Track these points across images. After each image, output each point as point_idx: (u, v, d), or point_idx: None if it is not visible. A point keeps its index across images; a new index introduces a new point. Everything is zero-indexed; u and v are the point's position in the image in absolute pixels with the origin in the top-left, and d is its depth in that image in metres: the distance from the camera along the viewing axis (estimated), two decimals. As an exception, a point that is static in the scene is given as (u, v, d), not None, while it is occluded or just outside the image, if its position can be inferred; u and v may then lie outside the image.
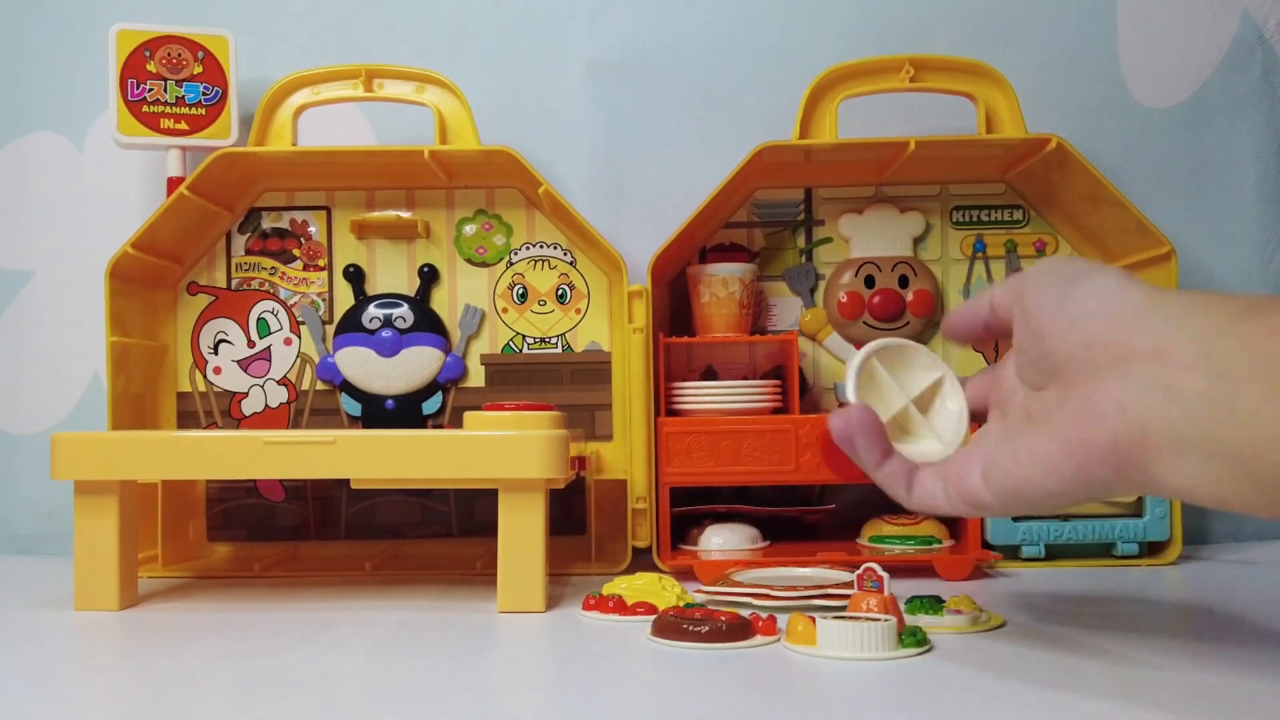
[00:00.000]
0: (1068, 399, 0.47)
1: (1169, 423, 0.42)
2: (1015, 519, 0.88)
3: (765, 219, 1.00)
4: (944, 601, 0.66)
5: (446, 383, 0.98)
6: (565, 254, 0.98)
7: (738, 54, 1.02)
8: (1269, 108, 1.02)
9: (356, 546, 0.97)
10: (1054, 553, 0.89)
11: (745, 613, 0.64)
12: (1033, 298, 0.50)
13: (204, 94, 0.96)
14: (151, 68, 0.95)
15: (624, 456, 0.93)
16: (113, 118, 0.95)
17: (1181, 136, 1.02)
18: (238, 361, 0.98)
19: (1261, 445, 0.40)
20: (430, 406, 0.98)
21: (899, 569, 0.76)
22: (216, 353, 0.98)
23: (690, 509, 0.93)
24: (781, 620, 0.63)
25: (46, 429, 1.03)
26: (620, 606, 0.69)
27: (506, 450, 0.72)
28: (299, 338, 0.99)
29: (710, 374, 0.98)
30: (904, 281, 0.97)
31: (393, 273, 0.99)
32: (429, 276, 0.98)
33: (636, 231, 1.00)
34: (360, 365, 0.97)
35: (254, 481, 0.97)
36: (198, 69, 0.96)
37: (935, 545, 0.87)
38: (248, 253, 0.99)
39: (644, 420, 0.88)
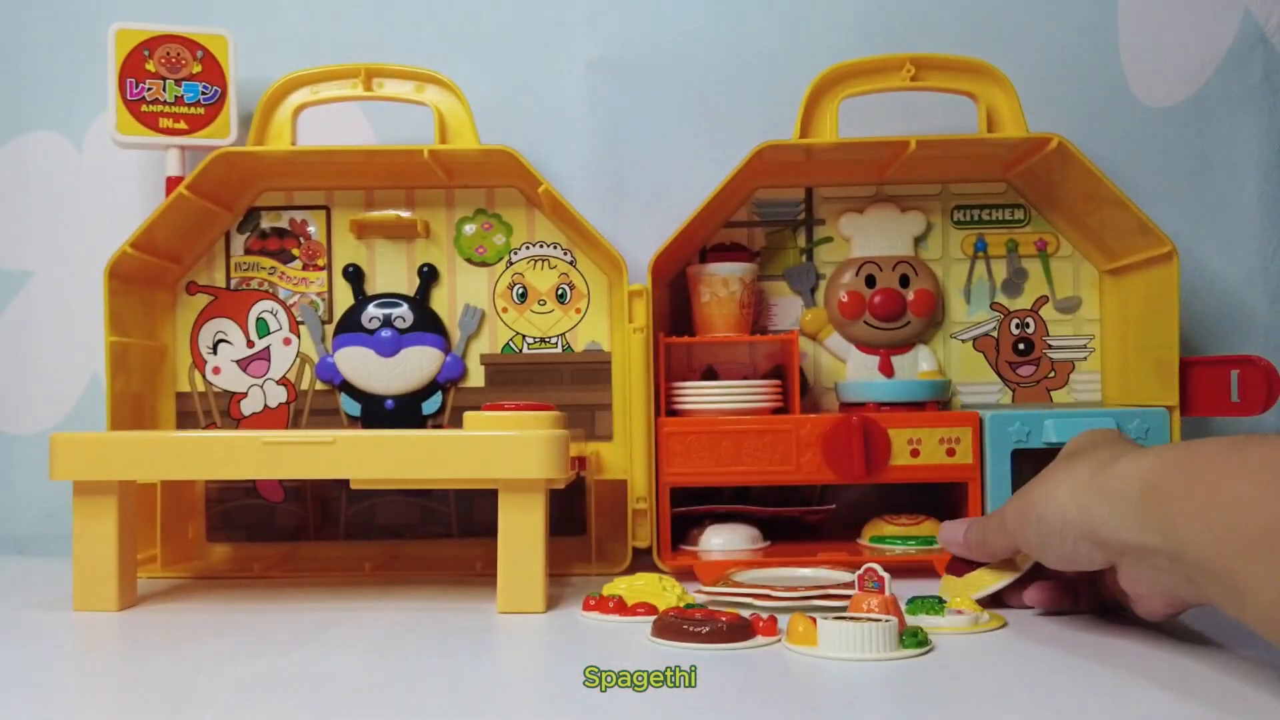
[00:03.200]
0: (1122, 582, 0.60)
1: (1172, 583, 0.55)
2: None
3: (766, 218, 1.00)
4: (945, 602, 0.66)
5: (446, 383, 0.98)
6: (565, 254, 0.98)
7: (738, 53, 1.02)
8: (1271, 107, 1.02)
9: (356, 547, 0.97)
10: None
11: (746, 613, 0.63)
12: (1041, 558, 0.64)
13: (203, 93, 0.96)
14: (150, 67, 0.95)
15: (624, 457, 0.93)
16: (112, 117, 0.94)
17: (1183, 136, 1.01)
18: (237, 361, 0.98)
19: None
20: (430, 406, 0.97)
21: (900, 569, 0.76)
22: (216, 353, 0.98)
23: (690, 509, 0.93)
24: (782, 621, 0.63)
25: (45, 429, 1.03)
26: (620, 607, 0.69)
27: (506, 450, 0.72)
28: (298, 338, 0.98)
29: (710, 374, 0.98)
30: (905, 281, 0.96)
31: (392, 272, 0.99)
32: (429, 276, 0.98)
33: (636, 231, 1.00)
34: (360, 365, 0.97)
35: (253, 482, 0.97)
36: (197, 68, 0.95)
37: (936, 545, 0.87)
38: (247, 252, 0.99)
39: (644, 420, 0.88)
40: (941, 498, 0.96)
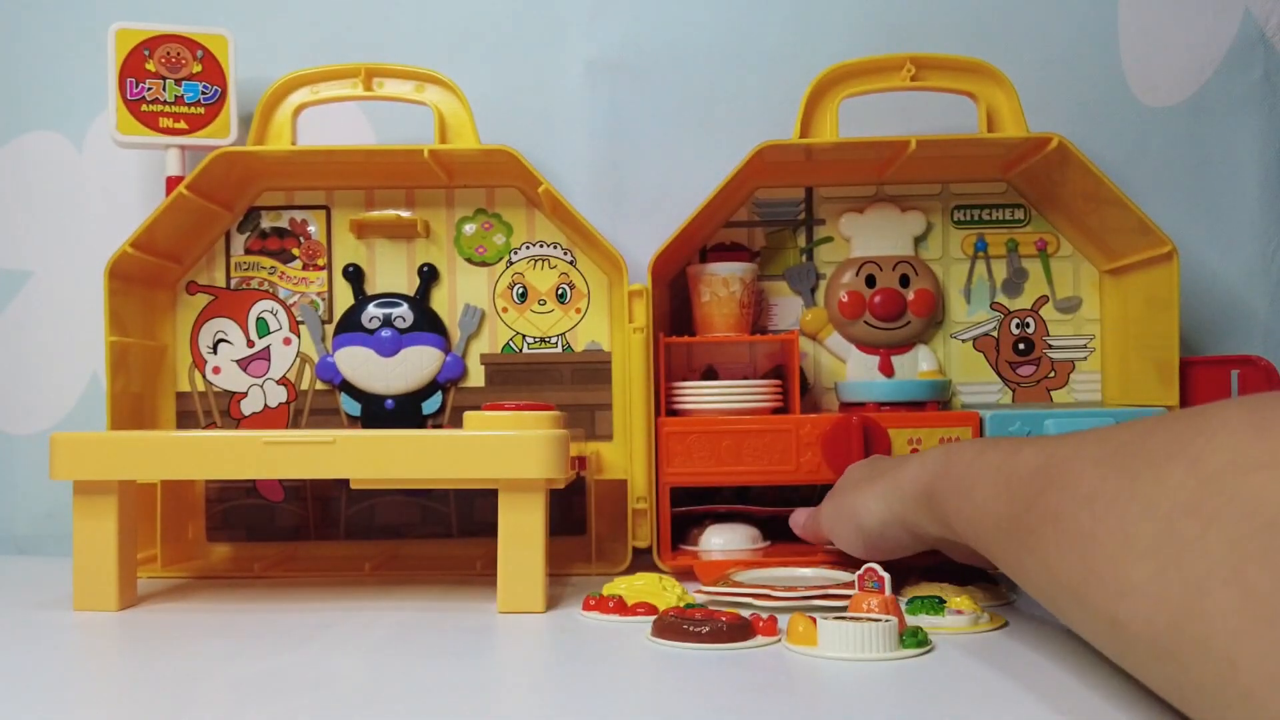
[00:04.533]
0: None
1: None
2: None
3: (766, 218, 1.00)
4: (945, 602, 0.66)
5: (446, 382, 0.98)
6: (565, 253, 0.98)
7: (738, 53, 1.02)
8: (1271, 107, 1.02)
9: (356, 547, 0.97)
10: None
11: (746, 613, 0.63)
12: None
13: (203, 93, 0.96)
14: (150, 67, 0.95)
15: (624, 456, 0.93)
16: (111, 117, 0.94)
17: (1183, 136, 1.01)
18: (237, 361, 0.98)
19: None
20: (430, 406, 0.97)
21: (899, 570, 0.76)
22: (216, 352, 0.98)
23: (690, 509, 0.93)
24: (782, 621, 0.63)
25: (45, 429, 1.03)
26: (620, 607, 0.69)
27: (506, 450, 0.72)
28: (298, 337, 0.98)
29: (710, 374, 0.98)
30: (905, 281, 0.96)
31: (392, 272, 0.99)
32: (429, 276, 0.98)
33: (636, 231, 1.00)
34: (360, 365, 0.97)
35: (253, 482, 0.97)
36: (197, 68, 0.95)
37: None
38: (247, 252, 0.99)
39: (644, 420, 0.88)
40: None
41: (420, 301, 0.98)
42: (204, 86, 0.96)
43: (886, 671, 0.55)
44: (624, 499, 0.90)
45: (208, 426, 0.98)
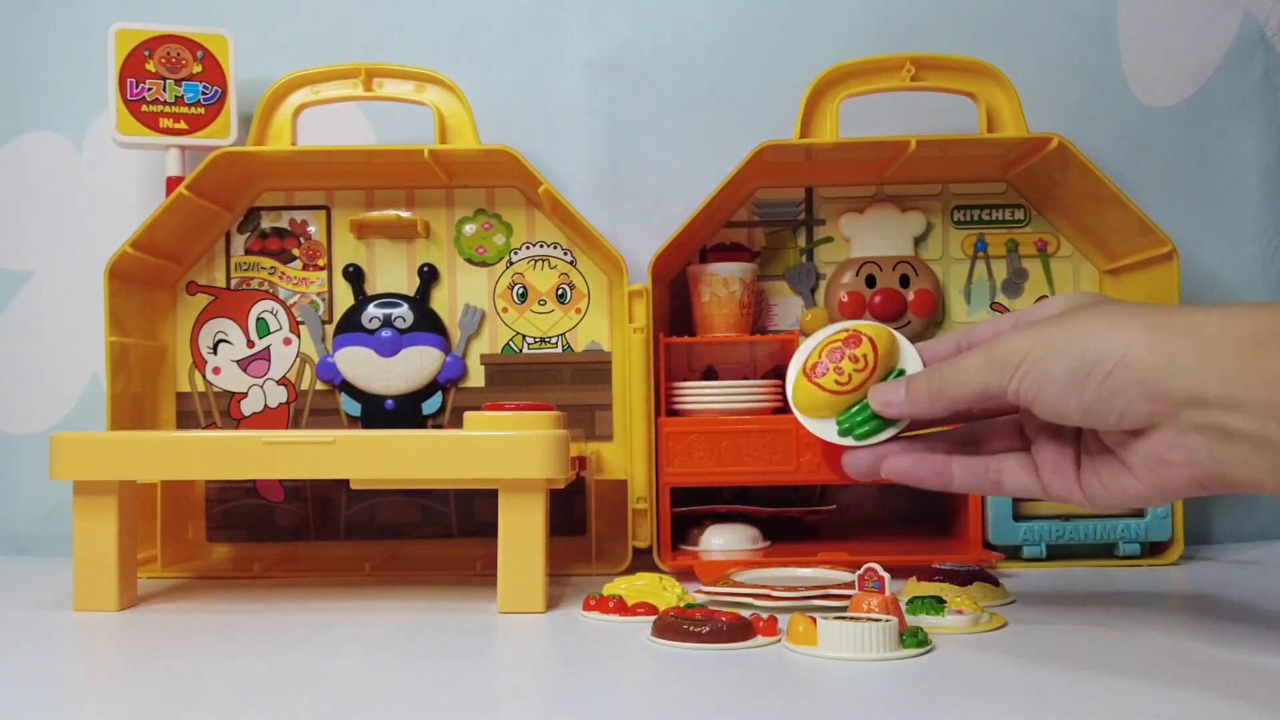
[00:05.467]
0: (1137, 448, 0.53)
1: (1234, 456, 0.50)
2: (1015, 520, 0.88)
3: (766, 218, 1.00)
4: (945, 602, 0.66)
5: (446, 383, 0.98)
6: (565, 253, 0.98)
7: (738, 53, 1.02)
8: (1271, 107, 1.02)
9: (356, 547, 0.97)
10: (1056, 553, 0.89)
11: (746, 613, 0.63)
12: (1050, 405, 0.55)
13: (203, 93, 0.96)
14: (151, 67, 0.95)
15: (624, 456, 0.93)
16: (112, 117, 0.94)
17: (1183, 136, 1.01)
18: (237, 361, 0.98)
19: None
20: (430, 406, 0.97)
21: (901, 570, 0.76)
22: (216, 353, 0.98)
23: (691, 509, 0.93)
24: (782, 621, 0.63)
25: (45, 429, 1.03)
26: (620, 607, 0.69)
27: (506, 450, 0.72)
28: (298, 337, 0.98)
29: (711, 374, 0.98)
30: (905, 281, 0.96)
31: (392, 272, 0.99)
32: (429, 276, 0.98)
33: (637, 231, 1.00)
34: (360, 365, 0.97)
35: (253, 482, 0.97)
36: (197, 68, 0.95)
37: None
38: (247, 252, 0.99)
39: (644, 420, 0.88)
40: (942, 497, 0.96)
41: (420, 302, 0.98)
42: (204, 87, 0.96)
43: (886, 671, 0.55)
44: (624, 499, 0.90)
45: (208, 427, 0.98)
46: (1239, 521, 1.01)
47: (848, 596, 0.65)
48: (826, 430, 0.64)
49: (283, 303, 0.98)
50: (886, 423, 0.62)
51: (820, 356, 0.64)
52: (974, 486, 0.62)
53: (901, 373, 0.63)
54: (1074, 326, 0.53)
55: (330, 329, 0.98)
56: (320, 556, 0.96)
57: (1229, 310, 0.50)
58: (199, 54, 0.96)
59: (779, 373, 0.96)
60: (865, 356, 0.63)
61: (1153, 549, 0.89)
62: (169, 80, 0.95)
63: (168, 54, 0.95)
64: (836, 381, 0.63)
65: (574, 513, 0.95)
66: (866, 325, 0.64)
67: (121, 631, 0.68)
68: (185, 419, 0.98)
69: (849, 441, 0.63)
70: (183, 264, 0.98)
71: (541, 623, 0.69)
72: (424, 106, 0.93)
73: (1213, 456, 0.50)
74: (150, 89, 0.95)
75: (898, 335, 0.64)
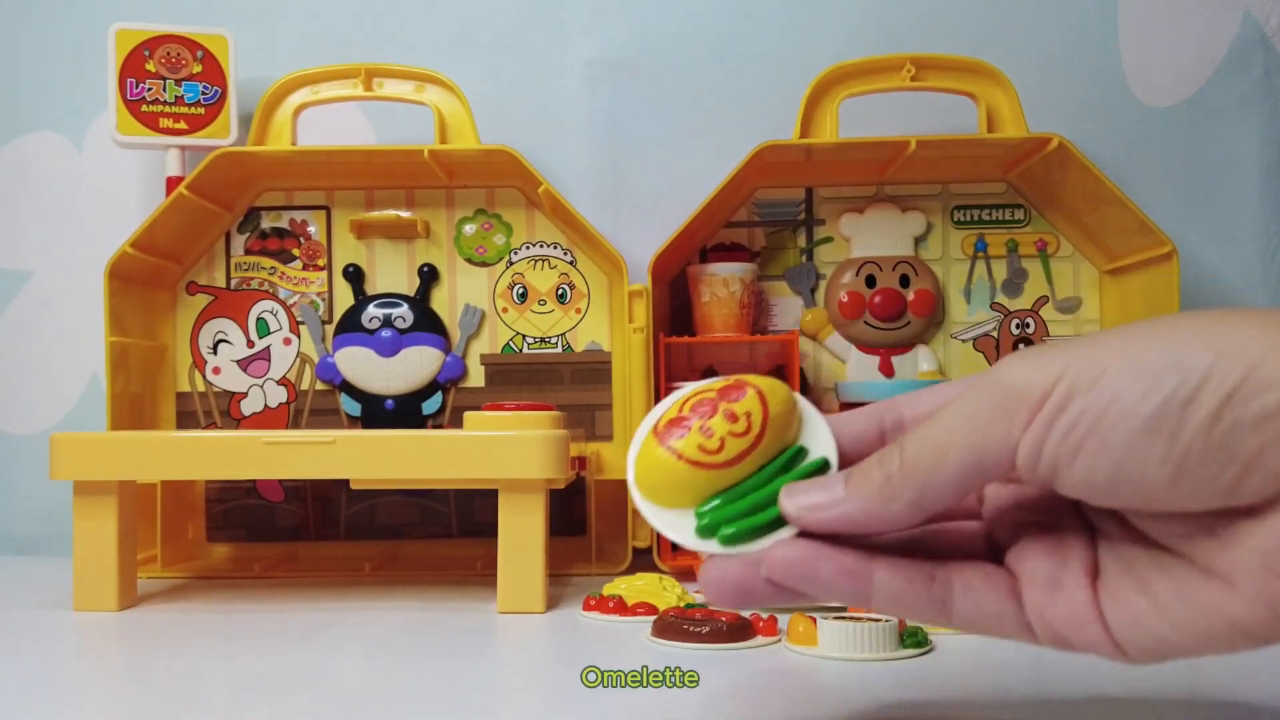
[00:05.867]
0: (1243, 537, 0.30)
1: None
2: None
3: (766, 218, 0.99)
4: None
5: (446, 383, 0.98)
6: (565, 253, 0.98)
7: (738, 53, 1.02)
8: (1271, 107, 1.02)
9: (356, 547, 0.97)
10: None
11: (746, 613, 0.63)
12: (1109, 467, 0.31)
13: (203, 93, 0.96)
14: (151, 67, 0.95)
15: (624, 457, 0.93)
16: (112, 117, 0.94)
17: (1183, 136, 1.01)
18: (237, 361, 0.98)
19: None
20: (430, 406, 0.97)
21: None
22: (216, 353, 0.98)
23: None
24: (782, 621, 0.63)
25: (45, 429, 1.03)
26: (620, 607, 0.69)
27: (506, 450, 0.72)
28: (298, 338, 0.98)
29: (710, 374, 0.98)
30: (905, 281, 0.96)
31: (392, 272, 0.99)
32: (429, 276, 0.98)
33: (637, 231, 1.00)
34: (360, 365, 0.97)
35: (253, 482, 0.97)
36: (197, 68, 0.95)
37: None
38: (247, 252, 0.99)
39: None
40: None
41: (420, 302, 0.98)
42: (204, 87, 0.96)
43: (886, 672, 0.55)
44: (624, 499, 0.90)
45: (208, 427, 0.98)
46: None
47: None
48: (678, 525, 0.39)
49: (283, 303, 0.98)
50: (777, 521, 0.38)
51: (682, 411, 0.40)
52: (904, 605, 0.36)
53: (802, 452, 0.39)
54: (1145, 333, 0.32)
55: (330, 329, 0.98)
56: (320, 556, 0.96)
57: None
58: (199, 54, 0.96)
59: (779, 373, 0.96)
60: (749, 415, 0.39)
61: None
62: (169, 80, 0.95)
63: (168, 54, 0.95)
64: (701, 448, 0.39)
65: (574, 513, 0.95)
66: (756, 377, 0.41)
67: (121, 632, 0.68)
68: (185, 419, 0.98)
69: (712, 546, 0.38)
70: (183, 264, 0.98)
71: (541, 623, 0.69)
72: (424, 106, 0.93)
73: None
74: (150, 89, 0.95)
75: (800, 398, 0.41)
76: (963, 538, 0.39)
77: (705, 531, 0.38)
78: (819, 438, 0.40)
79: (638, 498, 0.41)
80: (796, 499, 0.36)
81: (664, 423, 0.41)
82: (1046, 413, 0.31)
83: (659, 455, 0.40)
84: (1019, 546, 0.37)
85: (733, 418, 0.39)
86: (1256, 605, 0.30)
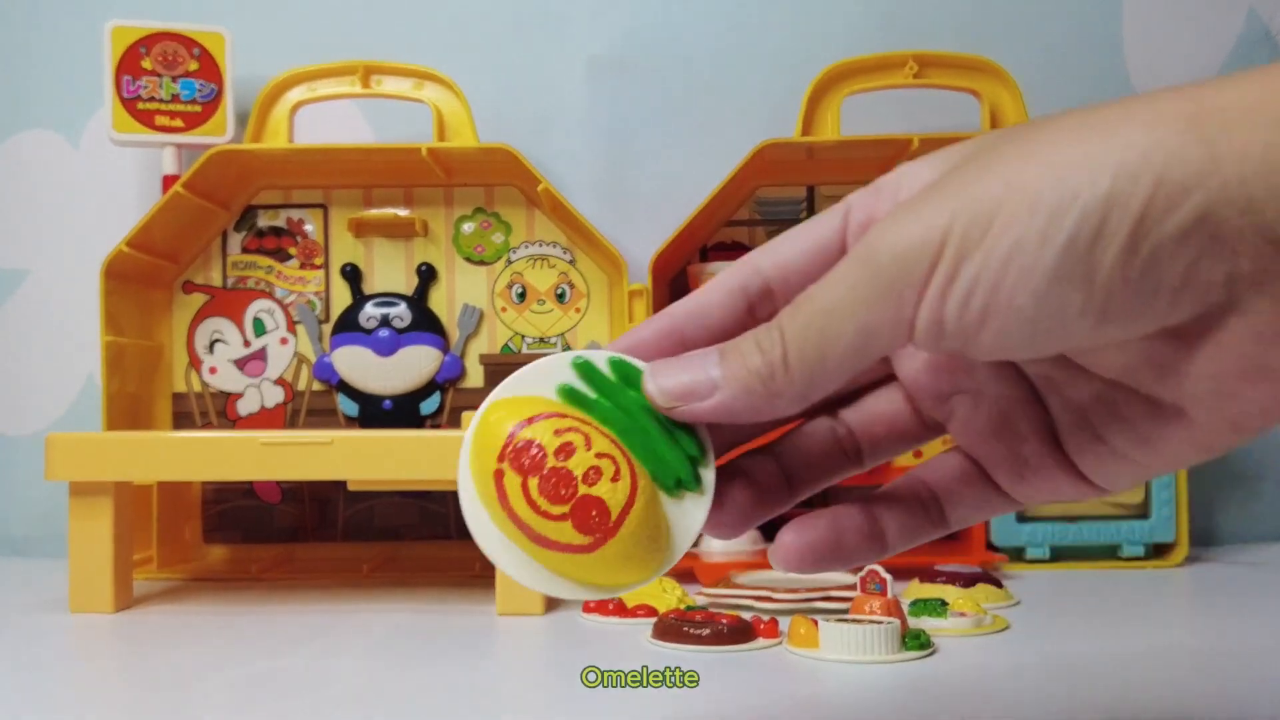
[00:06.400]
0: (1193, 365, 0.27)
1: None
2: (1019, 521, 0.88)
3: (767, 217, 0.99)
4: (948, 604, 0.65)
5: (445, 382, 0.97)
6: (565, 253, 0.98)
7: (739, 50, 1.02)
8: (1274, 105, 1.01)
9: (354, 548, 0.96)
10: (1059, 554, 0.88)
11: (747, 615, 0.63)
12: (1022, 320, 0.27)
13: (200, 91, 0.95)
14: (147, 64, 0.94)
15: (624, 457, 0.93)
16: (108, 115, 0.94)
17: (1186, 134, 1.01)
18: (234, 361, 0.98)
19: None
20: (428, 407, 0.97)
21: (903, 572, 0.76)
22: (212, 352, 0.98)
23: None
24: (783, 623, 0.62)
25: (41, 429, 1.02)
26: (620, 609, 0.69)
27: (505, 451, 0.71)
28: (295, 337, 0.98)
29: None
30: (906, 280, 0.96)
31: (390, 271, 0.98)
32: (427, 275, 0.98)
33: (637, 230, 0.99)
34: (357, 365, 0.96)
35: (250, 483, 0.97)
36: (193, 66, 0.95)
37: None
38: (243, 251, 0.98)
39: (644, 420, 0.88)
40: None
41: (418, 301, 0.97)
42: (200, 84, 0.95)
43: (889, 674, 0.54)
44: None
45: (204, 427, 0.97)
46: (1245, 523, 1.01)
47: (849, 598, 0.65)
48: (530, 570, 0.33)
49: (279, 302, 0.98)
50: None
51: (541, 434, 0.32)
52: (914, 540, 0.35)
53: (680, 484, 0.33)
54: (1029, 155, 0.27)
55: (327, 328, 0.98)
56: (318, 558, 0.96)
57: None
58: (195, 51, 0.95)
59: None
60: (614, 459, 0.32)
61: (1157, 550, 0.89)
62: (165, 78, 0.94)
63: (164, 51, 0.94)
64: (542, 500, 0.32)
65: (573, 513, 0.95)
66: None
67: (117, 633, 0.68)
68: (181, 419, 0.97)
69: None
70: (179, 263, 0.97)
71: (541, 625, 0.69)
72: (422, 104, 0.92)
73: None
74: (146, 86, 0.94)
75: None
76: (894, 425, 0.35)
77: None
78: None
79: (471, 517, 0.35)
80: (662, 380, 0.32)
81: (516, 443, 0.32)
82: (937, 284, 0.27)
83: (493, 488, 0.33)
84: (961, 426, 0.33)
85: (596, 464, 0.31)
86: (1217, 430, 0.28)
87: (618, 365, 0.33)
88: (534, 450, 0.32)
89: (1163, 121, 0.25)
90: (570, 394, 0.33)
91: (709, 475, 0.33)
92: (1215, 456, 0.30)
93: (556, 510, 0.31)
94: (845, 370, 0.29)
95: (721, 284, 0.34)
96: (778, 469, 0.35)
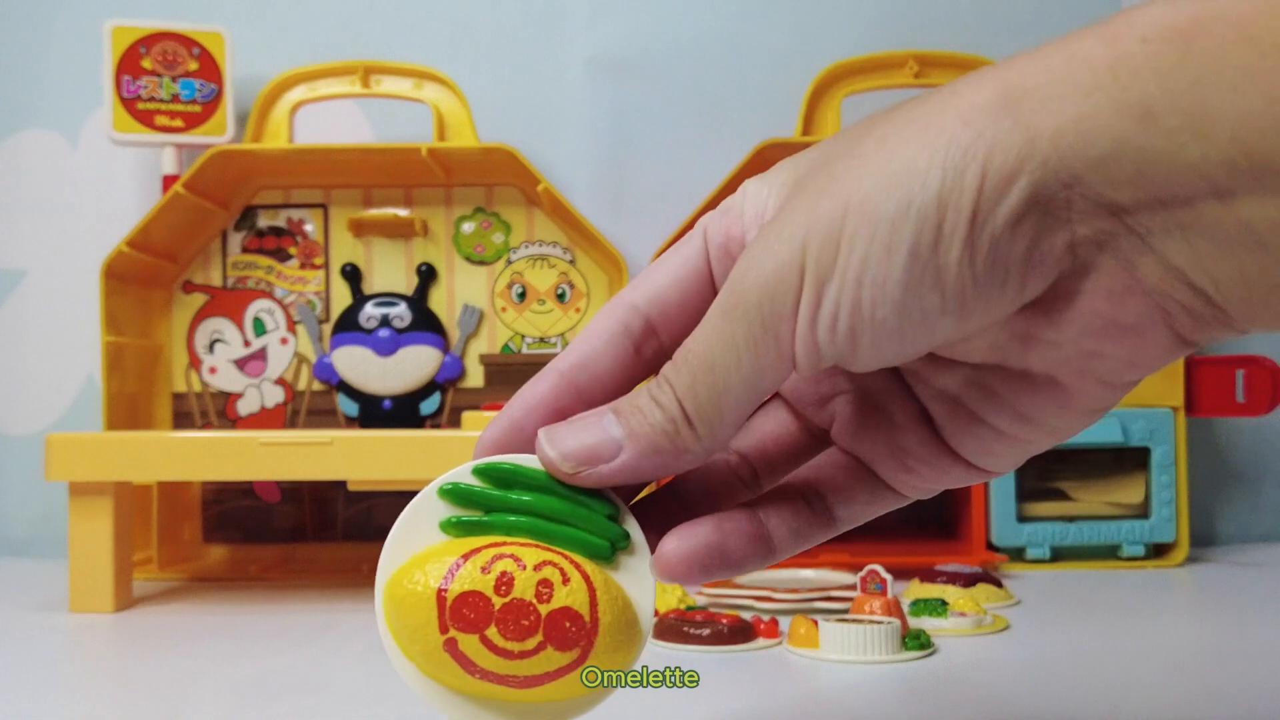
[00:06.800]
0: (1056, 333, 0.27)
1: (1241, 262, 0.25)
2: (1019, 521, 0.88)
3: (766, 217, 0.99)
4: (948, 604, 0.65)
5: (445, 383, 0.97)
6: (565, 253, 0.98)
7: (740, 50, 1.01)
8: (1274, 105, 1.01)
9: (354, 549, 0.96)
10: (1059, 555, 0.88)
11: (747, 615, 0.63)
12: (887, 330, 0.27)
13: (199, 90, 0.95)
14: (147, 64, 0.94)
15: (624, 457, 0.92)
16: (107, 115, 0.94)
17: (1186, 134, 1.01)
18: (233, 361, 0.98)
19: None
20: (428, 407, 0.97)
21: (904, 572, 0.76)
22: (212, 352, 0.98)
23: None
24: (784, 623, 0.62)
25: (41, 429, 1.02)
26: (620, 609, 0.69)
27: (505, 451, 0.71)
28: (295, 337, 0.98)
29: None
30: (906, 280, 0.96)
31: (390, 271, 0.98)
32: (427, 275, 0.98)
33: (637, 230, 0.99)
34: (357, 365, 0.96)
35: (250, 483, 0.97)
36: (193, 65, 0.95)
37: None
38: (243, 251, 0.98)
39: (644, 420, 0.88)
40: (943, 498, 0.96)
41: (418, 301, 0.97)
42: (200, 84, 0.95)
43: (889, 674, 0.54)
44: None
45: (204, 427, 0.97)
46: (1245, 523, 1.01)
47: (850, 598, 0.65)
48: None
49: (279, 302, 0.98)
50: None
51: (469, 582, 0.29)
52: (802, 543, 0.33)
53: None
54: (865, 158, 0.27)
55: (327, 328, 0.98)
56: (318, 558, 0.96)
57: (1115, 21, 0.28)
58: (195, 51, 0.95)
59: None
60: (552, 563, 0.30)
61: (1157, 550, 0.89)
62: (165, 77, 0.94)
63: (164, 51, 0.94)
64: (511, 644, 0.29)
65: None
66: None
67: (117, 634, 0.68)
68: (181, 419, 0.97)
69: None
70: (178, 263, 0.97)
71: (540, 625, 0.69)
72: (422, 104, 0.92)
73: (1201, 273, 0.25)
74: (146, 86, 0.94)
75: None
76: (783, 441, 0.35)
77: None
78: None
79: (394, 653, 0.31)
80: (561, 446, 0.30)
81: (436, 571, 0.30)
82: (805, 314, 0.27)
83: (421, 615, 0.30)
84: (840, 426, 0.33)
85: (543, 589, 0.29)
86: (1089, 392, 0.29)
87: (484, 472, 0.31)
88: (474, 600, 0.28)
89: (978, 112, 0.26)
90: (458, 526, 0.31)
91: (634, 528, 0.31)
92: (1094, 420, 0.30)
93: (531, 644, 0.29)
94: (743, 415, 0.29)
95: (603, 329, 0.32)
96: (680, 509, 0.33)
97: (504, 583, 0.29)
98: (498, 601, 0.28)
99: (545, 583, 0.29)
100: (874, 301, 0.27)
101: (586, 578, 0.29)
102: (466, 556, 0.29)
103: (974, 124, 0.26)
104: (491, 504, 0.31)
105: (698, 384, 0.29)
